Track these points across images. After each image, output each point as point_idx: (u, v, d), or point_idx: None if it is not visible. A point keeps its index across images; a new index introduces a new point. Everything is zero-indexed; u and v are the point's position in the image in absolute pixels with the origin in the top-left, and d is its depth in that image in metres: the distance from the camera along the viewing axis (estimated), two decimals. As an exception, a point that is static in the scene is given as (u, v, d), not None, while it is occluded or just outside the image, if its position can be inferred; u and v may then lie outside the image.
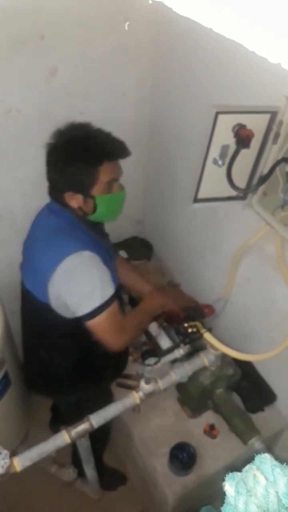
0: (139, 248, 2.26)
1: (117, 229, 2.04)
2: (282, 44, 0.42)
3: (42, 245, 1.37)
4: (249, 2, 0.44)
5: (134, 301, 2.08)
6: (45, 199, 1.71)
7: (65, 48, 1.52)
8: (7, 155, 1.68)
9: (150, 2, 0.47)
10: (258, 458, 0.50)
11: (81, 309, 1.31)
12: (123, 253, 2.11)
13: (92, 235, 1.41)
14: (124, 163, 1.98)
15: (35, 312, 1.46)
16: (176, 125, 1.78)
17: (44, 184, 1.79)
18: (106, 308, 1.32)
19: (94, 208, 1.36)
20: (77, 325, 1.36)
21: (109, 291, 1.33)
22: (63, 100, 1.64)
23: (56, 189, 1.39)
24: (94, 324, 1.33)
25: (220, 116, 1.09)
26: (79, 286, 1.31)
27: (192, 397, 1.62)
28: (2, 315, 1.67)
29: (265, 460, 0.49)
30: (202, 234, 1.89)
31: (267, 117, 1.16)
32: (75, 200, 1.35)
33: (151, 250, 2.29)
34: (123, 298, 2.10)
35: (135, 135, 1.94)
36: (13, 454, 1.20)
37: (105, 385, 1.72)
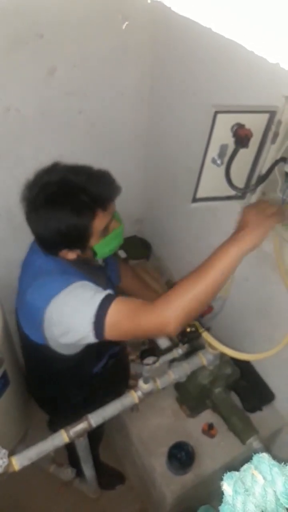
0: (137, 248, 2.26)
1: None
2: (281, 44, 0.42)
3: (30, 290, 1.22)
4: (248, 2, 0.44)
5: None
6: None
7: (64, 47, 1.52)
8: (6, 154, 1.68)
9: (149, 1, 0.47)
10: (256, 458, 0.51)
11: (84, 326, 1.12)
12: (121, 253, 2.11)
13: (85, 271, 1.29)
14: (123, 162, 1.98)
15: (34, 353, 1.36)
16: (175, 124, 1.77)
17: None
18: (110, 304, 1.11)
19: (94, 254, 1.25)
20: (79, 359, 1.29)
21: (103, 293, 1.15)
22: (62, 99, 1.64)
23: (49, 247, 1.24)
24: (112, 328, 1.11)
25: (219, 116, 1.09)
26: (71, 315, 1.14)
27: (190, 396, 1.62)
28: (0, 314, 1.67)
29: (263, 459, 0.49)
30: (200, 233, 1.89)
31: (266, 116, 1.16)
32: (71, 253, 1.23)
33: (149, 250, 2.29)
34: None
35: (134, 135, 1.94)
36: (11, 453, 1.20)
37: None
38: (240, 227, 1.12)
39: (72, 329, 1.15)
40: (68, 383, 1.47)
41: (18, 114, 1.58)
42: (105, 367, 1.50)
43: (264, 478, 0.48)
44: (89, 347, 1.24)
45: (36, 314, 1.18)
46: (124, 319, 1.12)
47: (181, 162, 1.82)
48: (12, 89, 1.53)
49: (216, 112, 1.08)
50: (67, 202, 1.15)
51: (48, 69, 1.55)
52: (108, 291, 1.16)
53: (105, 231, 1.23)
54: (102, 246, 1.25)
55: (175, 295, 1.08)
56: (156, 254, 2.32)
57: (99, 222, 1.19)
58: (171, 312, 1.07)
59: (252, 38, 0.44)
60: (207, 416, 1.72)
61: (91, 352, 1.27)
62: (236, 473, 0.51)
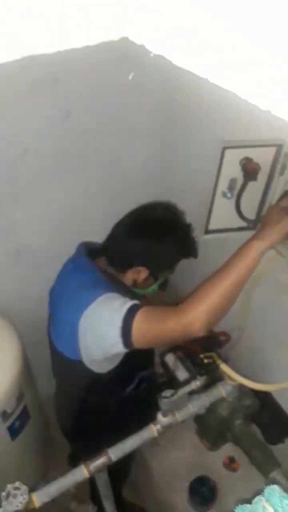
0: (154, 279, 2.27)
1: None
2: (271, 95, 0.45)
3: (66, 305, 1.31)
4: (240, 57, 0.47)
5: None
6: (61, 234, 1.76)
7: (78, 90, 1.60)
8: (25, 193, 1.74)
9: (152, 55, 0.51)
10: (267, 490, 0.51)
11: (112, 333, 1.16)
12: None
13: (118, 287, 1.32)
14: (136, 196, 2.02)
15: (68, 371, 1.41)
16: (186, 158, 1.82)
17: (60, 219, 1.85)
18: (136, 312, 1.15)
19: (148, 286, 1.38)
20: (111, 379, 1.33)
21: (131, 302, 1.18)
22: (77, 139, 1.71)
23: (125, 259, 1.33)
24: (139, 335, 1.14)
25: (227, 151, 1.13)
26: (101, 323, 1.19)
27: (210, 429, 1.59)
28: (20, 349, 1.69)
29: (274, 491, 0.50)
30: (215, 263, 1.89)
31: (273, 150, 1.19)
32: (137, 274, 1.32)
33: (166, 282, 2.30)
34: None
35: (146, 168, 1.99)
36: (32, 489, 1.20)
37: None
38: (262, 226, 1.16)
39: (103, 337, 1.19)
40: (100, 404, 1.48)
41: (36, 155, 1.65)
42: (136, 390, 1.51)
43: (275, 510, 0.48)
44: (120, 368, 1.30)
45: (71, 327, 1.23)
46: (150, 325, 1.15)
47: (193, 195, 1.85)
48: (30, 131, 1.60)
49: (224, 148, 1.12)
50: (183, 239, 1.32)
51: (64, 111, 1.62)
52: (136, 301, 1.19)
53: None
54: (158, 284, 1.41)
55: (198, 295, 1.12)
56: (173, 286, 2.32)
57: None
58: (195, 312, 1.09)
59: (245, 86, 0.48)
60: (228, 449, 1.69)
61: (122, 373, 1.32)
62: (248, 505, 0.52)
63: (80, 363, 1.30)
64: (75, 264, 1.38)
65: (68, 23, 0.54)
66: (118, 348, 1.19)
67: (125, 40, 0.59)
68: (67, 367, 1.37)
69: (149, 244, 1.28)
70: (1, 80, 1.37)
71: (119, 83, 1.64)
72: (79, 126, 1.68)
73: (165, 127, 1.86)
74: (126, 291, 1.36)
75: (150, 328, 1.16)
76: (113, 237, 1.36)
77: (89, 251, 1.40)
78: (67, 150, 1.70)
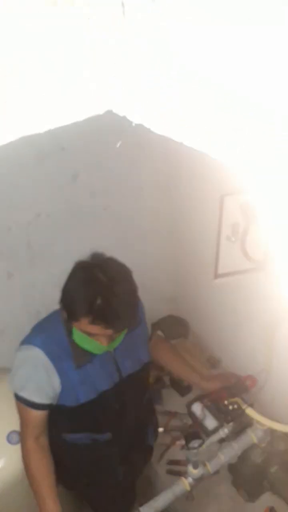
0: (175, 326, 2.27)
1: (152, 309, 2.08)
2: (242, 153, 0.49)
3: None
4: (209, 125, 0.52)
5: (176, 383, 2.07)
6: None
7: (83, 155, 1.69)
8: (41, 255, 1.80)
9: (133, 124, 0.56)
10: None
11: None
12: (159, 333, 2.13)
13: (68, 342, 1.32)
14: (151, 247, 2.08)
15: None
16: (194, 206, 1.87)
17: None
18: (17, 400, 1.34)
19: (70, 332, 1.30)
20: (53, 413, 1.36)
21: (25, 393, 1.31)
22: (87, 200, 1.79)
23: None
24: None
25: (226, 198, 1.17)
26: (14, 368, 1.36)
27: (245, 478, 1.54)
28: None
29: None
30: (234, 306, 1.90)
31: (271, 191, 1.23)
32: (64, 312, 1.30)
33: (187, 328, 2.30)
34: (164, 380, 2.10)
35: (157, 221, 2.06)
36: None
37: (124, 484, 1.61)
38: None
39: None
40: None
41: (48, 218, 1.73)
42: (81, 443, 1.44)
43: None
44: (63, 410, 1.35)
45: None
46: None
47: (204, 241, 1.89)
48: (41, 197, 1.69)
49: (222, 195, 1.16)
50: (87, 294, 1.21)
51: (71, 175, 1.71)
52: (23, 395, 1.32)
53: (88, 334, 1.25)
54: (79, 336, 1.28)
55: (27, 459, 1.35)
56: (194, 331, 2.32)
57: (84, 325, 1.21)
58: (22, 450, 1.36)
59: (215, 149, 0.52)
60: (267, 499, 1.61)
61: (64, 415, 1.37)
62: None
63: None
64: None
65: (59, 102, 0.60)
66: None
67: (109, 112, 0.65)
68: None
69: (71, 273, 1.30)
70: (12, 152, 1.47)
71: (116, 149, 1.73)
72: (87, 187, 1.76)
73: (170, 179, 1.93)
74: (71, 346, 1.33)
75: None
76: None
77: None
78: (78, 210, 1.77)
